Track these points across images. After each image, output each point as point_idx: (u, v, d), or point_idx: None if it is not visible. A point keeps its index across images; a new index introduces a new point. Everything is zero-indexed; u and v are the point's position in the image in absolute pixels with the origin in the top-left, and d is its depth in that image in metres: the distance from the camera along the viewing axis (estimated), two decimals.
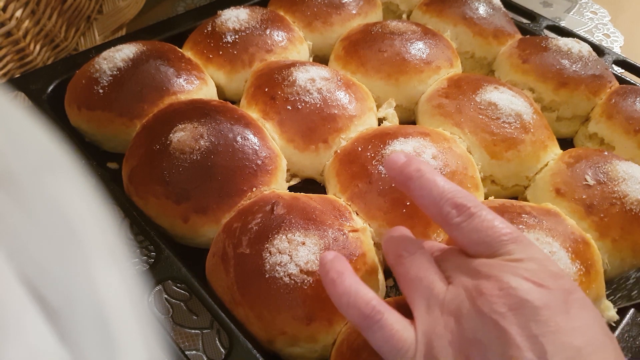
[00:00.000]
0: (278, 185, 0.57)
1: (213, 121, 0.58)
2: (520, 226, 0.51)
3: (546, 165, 0.62)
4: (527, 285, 0.33)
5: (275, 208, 0.50)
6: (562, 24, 0.88)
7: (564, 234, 0.51)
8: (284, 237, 0.48)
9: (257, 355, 0.43)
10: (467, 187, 0.56)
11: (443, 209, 0.38)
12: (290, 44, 0.74)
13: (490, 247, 0.36)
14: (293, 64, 0.67)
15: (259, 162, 0.57)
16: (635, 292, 0.51)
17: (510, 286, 0.33)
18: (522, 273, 0.34)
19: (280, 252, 0.47)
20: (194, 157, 0.55)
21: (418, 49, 0.71)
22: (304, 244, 0.47)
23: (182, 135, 0.56)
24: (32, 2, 0.69)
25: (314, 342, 0.46)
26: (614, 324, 0.49)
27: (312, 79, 0.64)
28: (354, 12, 0.80)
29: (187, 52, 0.73)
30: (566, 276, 0.35)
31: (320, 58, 0.80)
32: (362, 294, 0.37)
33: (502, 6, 0.85)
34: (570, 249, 0.50)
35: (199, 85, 0.67)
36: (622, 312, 0.50)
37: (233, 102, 0.66)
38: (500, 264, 0.35)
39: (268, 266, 0.46)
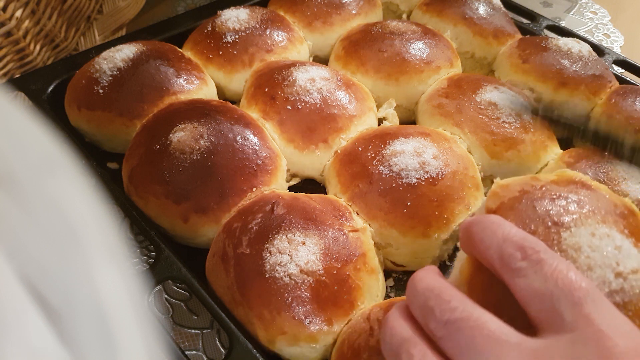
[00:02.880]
0: (278, 185, 0.57)
1: (213, 121, 0.58)
2: (566, 219, 0.37)
3: (546, 165, 0.62)
4: None
5: (275, 208, 0.50)
6: (562, 24, 0.88)
7: (610, 211, 0.39)
8: (284, 237, 0.48)
9: (257, 355, 0.43)
10: (468, 187, 0.56)
11: (505, 250, 0.31)
12: (290, 44, 0.74)
13: (557, 307, 0.29)
14: (293, 64, 0.67)
15: (259, 162, 0.57)
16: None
17: None
18: None
19: (280, 252, 0.47)
20: (194, 157, 0.55)
21: (418, 49, 0.71)
22: (304, 244, 0.47)
23: (182, 135, 0.56)
24: (32, 2, 0.69)
25: (314, 342, 0.46)
26: None
27: (312, 79, 0.64)
28: (354, 12, 0.80)
29: (187, 52, 0.73)
30: None
31: (320, 58, 0.80)
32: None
33: (502, 6, 0.85)
34: (626, 230, 0.38)
35: (199, 85, 0.67)
36: None
37: (233, 102, 0.66)
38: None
39: (268, 266, 0.46)
